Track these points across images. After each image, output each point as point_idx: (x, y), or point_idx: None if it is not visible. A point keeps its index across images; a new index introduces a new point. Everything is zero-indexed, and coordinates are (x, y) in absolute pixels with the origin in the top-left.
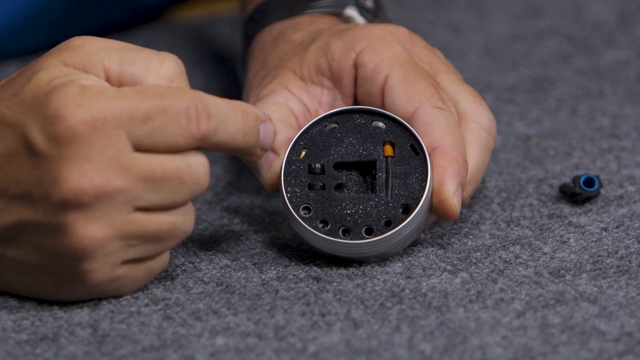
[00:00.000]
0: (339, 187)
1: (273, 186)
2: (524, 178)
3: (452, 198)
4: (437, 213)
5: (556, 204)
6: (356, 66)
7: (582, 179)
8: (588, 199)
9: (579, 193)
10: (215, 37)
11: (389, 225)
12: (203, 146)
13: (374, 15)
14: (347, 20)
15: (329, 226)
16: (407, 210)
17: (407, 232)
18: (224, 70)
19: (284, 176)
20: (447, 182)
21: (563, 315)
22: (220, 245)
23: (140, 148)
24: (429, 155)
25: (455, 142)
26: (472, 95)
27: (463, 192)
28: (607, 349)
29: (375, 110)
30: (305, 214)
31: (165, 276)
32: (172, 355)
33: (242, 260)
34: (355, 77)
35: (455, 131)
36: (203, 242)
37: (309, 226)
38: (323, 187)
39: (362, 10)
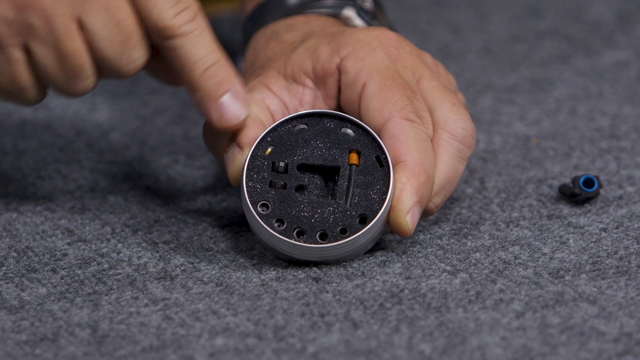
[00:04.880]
0: (300, 188)
1: (236, 180)
2: (523, 178)
3: (405, 216)
4: (392, 228)
5: (555, 204)
6: (340, 71)
7: (581, 180)
8: (587, 200)
9: (578, 194)
10: (216, 38)
11: (344, 233)
12: (169, 38)
13: (372, 16)
14: (345, 21)
15: (284, 226)
16: (364, 221)
17: (362, 242)
18: None
19: (246, 170)
20: (403, 199)
21: (562, 315)
22: (219, 246)
23: None
24: (393, 168)
25: (420, 157)
26: (449, 104)
27: (429, 203)
28: (606, 349)
29: (346, 116)
30: (263, 210)
31: (165, 276)
32: (171, 355)
33: (241, 260)
34: (339, 82)
35: (423, 145)
36: (202, 242)
37: (264, 223)
38: (284, 187)
39: (361, 11)
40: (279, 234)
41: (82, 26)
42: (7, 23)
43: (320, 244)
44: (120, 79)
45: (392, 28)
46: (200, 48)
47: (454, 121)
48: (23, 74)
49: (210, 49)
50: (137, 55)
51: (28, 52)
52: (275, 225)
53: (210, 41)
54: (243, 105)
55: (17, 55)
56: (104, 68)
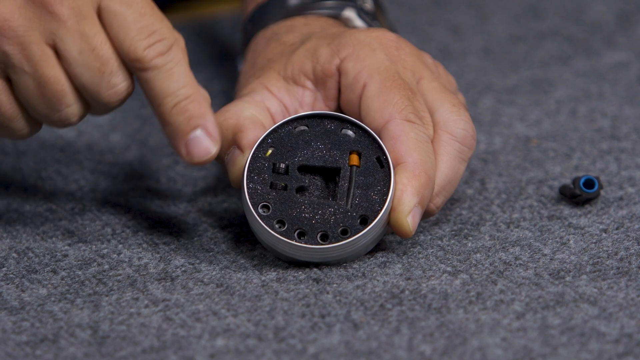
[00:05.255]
0: (301, 189)
1: (237, 182)
2: (523, 179)
3: (406, 218)
4: (393, 229)
5: (556, 205)
6: (340, 72)
7: (582, 181)
8: (588, 201)
9: (578, 194)
10: (216, 38)
11: (345, 234)
12: (141, 70)
13: (372, 17)
14: (346, 22)
15: (285, 227)
16: (365, 222)
17: (363, 242)
18: (225, 72)
19: (247, 172)
20: (404, 200)
21: (563, 316)
22: (220, 247)
23: (101, 19)
24: (394, 169)
25: (421, 158)
26: (450, 104)
27: (430, 204)
28: (606, 350)
29: (347, 118)
30: (264, 212)
31: (165, 277)
32: (172, 356)
33: (242, 261)
34: (339, 83)
35: (423, 146)
36: (203, 243)
37: (266, 225)
38: (285, 188)
39: (361, 12)
40: (280, 235)
41: (57, 53)
42: None
43: (321, 244)
44: (108, 110)
45: (393, 29)
46: (171, 82)
47: (455, 122)
48: (6, 103)
49: (182, 83)
50: (116, 81)
51: (9, 80)
52: (276, 226)
53: (183, 75)
54: (213, 141)
55: None
56: (86, 96)
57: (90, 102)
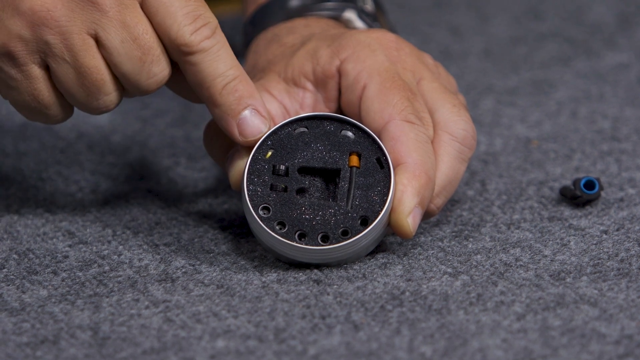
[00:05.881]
0: (301, 191)
1: (237, 184)
2: (524, 181)
3: (406, 218)
4: (393, 230)
5: (556, 206)
6: (340, 73)
7: (582, 182)
8: (588, 202)
9: (579, 196)
10: None
11: (345, 235)
12: (189, 54)
13: (373, 18)
14: (346, 23)
15: (286, 229)
16: (365, 222)
17: (363, 243)
18: None
19: (247, 174)
20: (404, 201)
21: (563, 317)
22: (220, 248)
23: (144, 8)
24: (394, 170)
25: (421, 158)
26: (450, 105)
27: (431, 204)
28: (607, 351)
29: (346, 119)
30: (264, 213)
31: (166, 278)
32: (172, 357)
33: (242, 262)
34: (340, 84)
35: (423, 147)
36: (203, 244)
37: (266, 226)
38: (285, 190)
39: (362, 13)
40: (281, 236)
41: (99, 42)
42: (23, 41)
43: (322, 246)
44: (144, 95)
45: (393, 30)
46: (219, 64)
47: (455, 122)
48: (44, 91)
49: (230, 64)
50: (157, 70)
51: (48, 68)
52: (277, 228)
53: (229, 56)
54: (264, 120)
55: (37, 72)
56: (125, 84)
57: (128, 89)
